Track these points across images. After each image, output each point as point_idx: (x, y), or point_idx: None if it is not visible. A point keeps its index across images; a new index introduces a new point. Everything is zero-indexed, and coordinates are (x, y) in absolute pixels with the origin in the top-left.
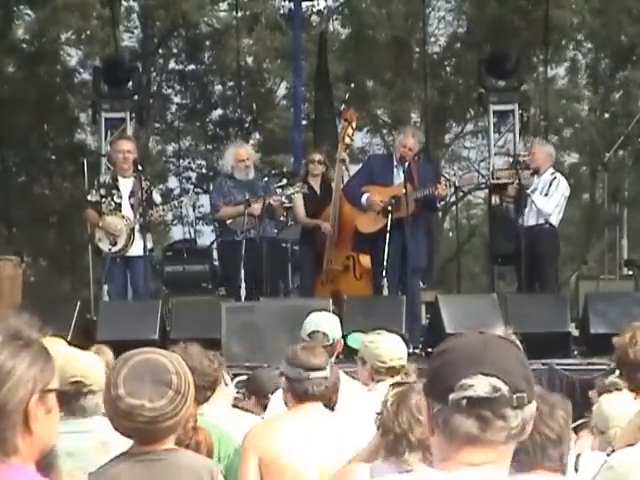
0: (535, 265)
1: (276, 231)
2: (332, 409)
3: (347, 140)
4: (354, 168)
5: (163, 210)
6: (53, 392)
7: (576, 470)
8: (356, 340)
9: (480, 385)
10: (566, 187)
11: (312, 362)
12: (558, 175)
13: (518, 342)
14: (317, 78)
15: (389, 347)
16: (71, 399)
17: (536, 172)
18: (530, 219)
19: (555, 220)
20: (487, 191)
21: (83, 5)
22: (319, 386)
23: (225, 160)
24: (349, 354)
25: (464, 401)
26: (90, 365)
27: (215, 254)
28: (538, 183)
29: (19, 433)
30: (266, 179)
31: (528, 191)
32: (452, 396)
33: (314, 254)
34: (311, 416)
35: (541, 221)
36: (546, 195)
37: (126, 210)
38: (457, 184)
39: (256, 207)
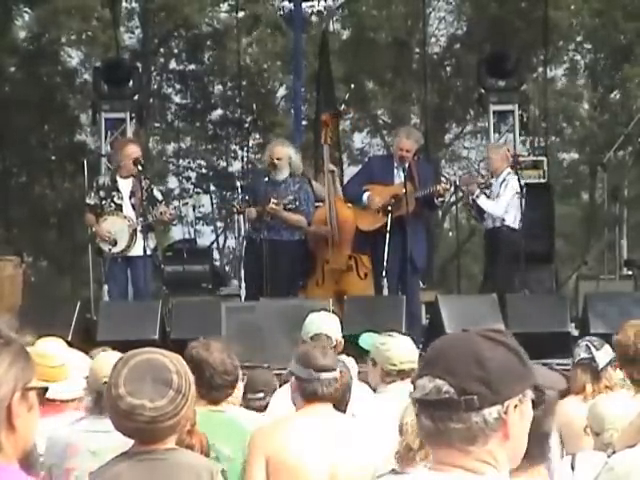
0: (496, 267)
1: (296, 236)
2: (344, 410)
3: (329, 142)
4: (354, 169)
5: (174, 208)
6: (34, 390)
7: (572, 468)
8: (367, 341)
9: (425, 386)
10: (516, 184)
11: (323, 363)
12: (508, 176)
13: (508, 340)
14: (319, 78)
15: (400, 350)
16: (101, 398)
17: (484, 185)
18: (489, 222)
19: (511, 221)
20: None
21: (83, 7)
22: (329, 387)
23: (264, 156)
24: (360, 354)
25: (413, 401)
26: None
27: (216, 254)
28: (492, 186)
29: (2, 431)
30: (299, 183)
31: (473, 196)
32: (410, 395)
33: (303, 254)
34: (320, 416)
35: (497, 224)
36: (494, 197)
37: (127, 211)
38: (457, 184)
39: (252, 210)
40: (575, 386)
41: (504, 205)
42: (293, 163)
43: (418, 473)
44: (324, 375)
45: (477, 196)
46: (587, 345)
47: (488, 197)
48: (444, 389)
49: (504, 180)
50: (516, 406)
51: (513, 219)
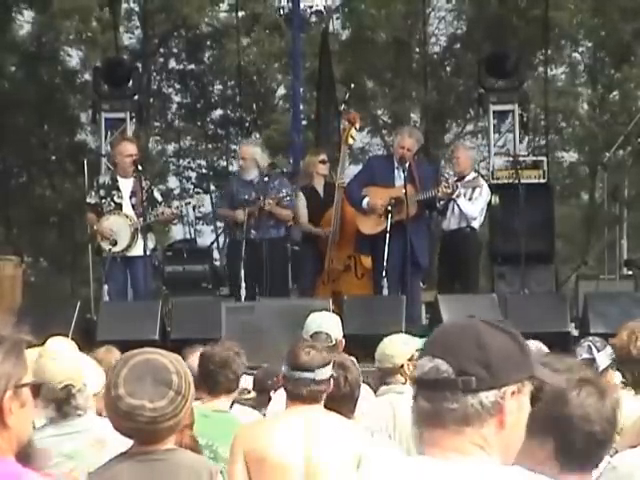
0: (458, 268)
1: (282, 232)
2: (352, 407)
3: (350, 141)
4: (354, 168)
5: (177, 208)
6: (26, 386)
7: None
8: None
9: (424, 366)
10: (488, 192)
11: (301, 361)
12: (480, 179)
13: (513, 331)
14: (320, 77)
15: (381, 349)
16: (63, 403)
17: (461, 179)
18: (452, 223)
19: (477, 223)
20: None
21: (82, 9)
22: (305, 387)
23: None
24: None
25: (412, 381)
26: (71, 365)
27: (216, 254)
28: (461, 187)
29: None
30: (277, 178)
31: (454, 196)
32: (409, 375)
33: (315, 254)
34: (302, 416)
35: (463, 224)
36: (470, 199)
37: (127, 210)
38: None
39: (239, 212)
40: None
41: (480, 208)
42: (259, 161)
43: (409, 459)
44: (299, 374)
45: (457, 196)
46: (589, 346)
47: (466, 197)
48: (443, 368)
49: (476, 183)
50: (513, 394)
51: (479, 222)
